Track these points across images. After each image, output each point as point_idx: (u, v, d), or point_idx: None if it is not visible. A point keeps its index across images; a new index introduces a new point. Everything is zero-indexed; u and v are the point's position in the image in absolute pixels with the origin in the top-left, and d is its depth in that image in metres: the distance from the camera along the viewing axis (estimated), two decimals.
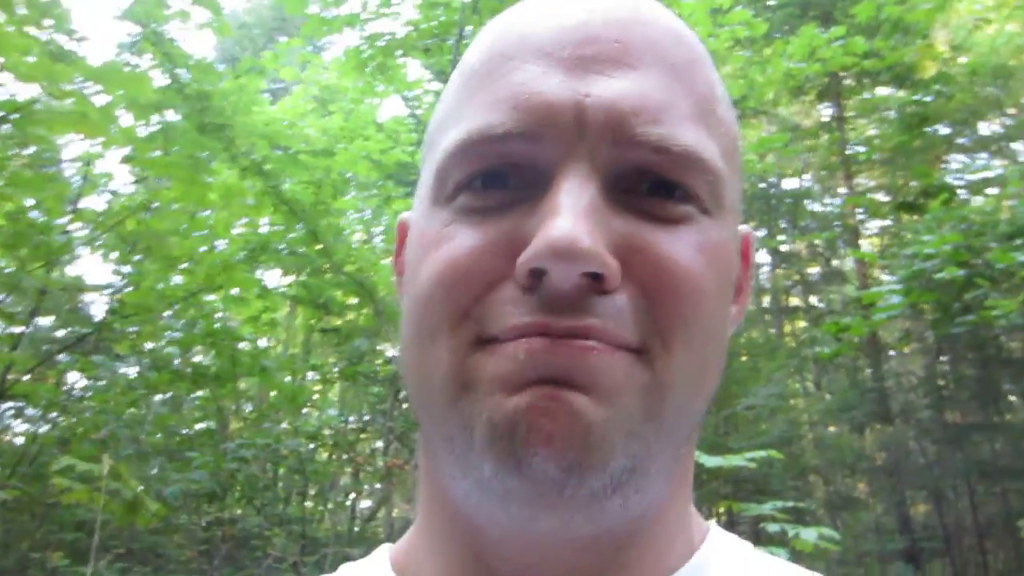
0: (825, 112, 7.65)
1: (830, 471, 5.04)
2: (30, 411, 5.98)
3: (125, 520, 4.81)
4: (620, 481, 0.42)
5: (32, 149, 3.94)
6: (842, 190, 7.39)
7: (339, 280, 5.46)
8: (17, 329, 4.98)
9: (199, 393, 6.93)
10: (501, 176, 0.45)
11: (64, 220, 4.50)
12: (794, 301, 8.35)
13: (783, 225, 7.55)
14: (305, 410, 8.70)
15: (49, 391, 5.52)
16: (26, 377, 5.13)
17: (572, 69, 0.44)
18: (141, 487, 5.36)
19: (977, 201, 6.35)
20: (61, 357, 5.91)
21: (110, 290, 5.36)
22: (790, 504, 3.12)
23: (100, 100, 3.66)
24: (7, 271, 4.34)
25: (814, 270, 7.24)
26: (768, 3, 6.94)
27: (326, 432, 8.79)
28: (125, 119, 3.96)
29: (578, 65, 0.45)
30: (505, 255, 0.43)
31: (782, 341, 6.87)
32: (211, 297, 5.75)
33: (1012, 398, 4.91)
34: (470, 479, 0.43)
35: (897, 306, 4.88)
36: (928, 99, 6.92)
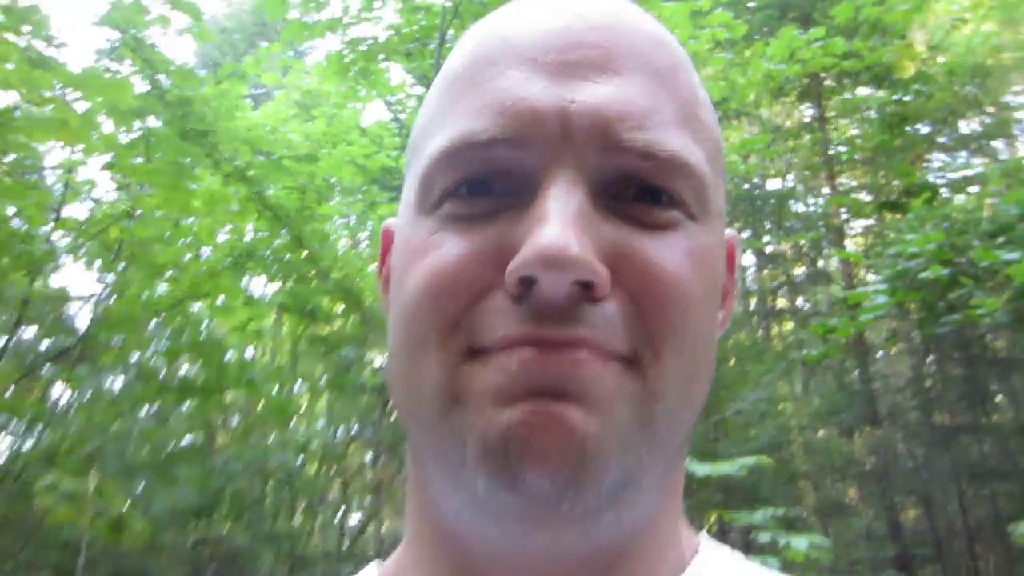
0: (806, 113, 7.73)
1: (820, 476, 5.05)
2: (14, 425, 5.89)
3: (111, 539, 4.73)
4: (614, 495, 0.41)
5: (12, 157, 3.88)
6: (825, 190, 7.46)
7: (326, 287, 5.42)
8: None
9: (186, 405, 6.84)
10: (487, 183, 0.44)
11: (47, 228, 4.43)
12: (781, 303, 8.40)
13: (768, 226, 7.59)
14: (293, 422, 8.62)
15: (33, 405, 5.43)
16: (9, 391, 5.05)
17: (556, 75, 0.44)
18: (128, 504, 5.28)
19: (959, 199, 6.41)
20: (45, 369, 5.82)
21: (94, 300, 5.29)
22: (780, 512, 3.10)
23: (81, 107, 3.62)
24: None
25: (800, 271, 7.28)
26: (748, 5, 7.00)
27: (314, 445, 8.72)
28: (106, 126, 3.92)
29: (562, 71, 0.44)
30: (493, 264, 0.42)
31: (769, 344, 6.89)
32: (197, 307, 5.69)
33: (999, 398, 4.94)
34: (462, 495, 0.42)
35: (883, 306, 4.89)
36: (908, 99, 7.00)
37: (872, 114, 7.21)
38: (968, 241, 5.12)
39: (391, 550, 0.55)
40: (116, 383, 6.27)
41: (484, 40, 0.48)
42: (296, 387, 8.76)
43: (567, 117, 0.43)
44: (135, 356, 6.08)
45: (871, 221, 7.08)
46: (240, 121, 4.51)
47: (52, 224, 4.40)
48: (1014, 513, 3.14)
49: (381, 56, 4.43)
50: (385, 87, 4.93)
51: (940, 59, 7.48)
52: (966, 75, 7.23)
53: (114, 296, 5.01)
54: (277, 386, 7.47)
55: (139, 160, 4.04)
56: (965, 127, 7.32)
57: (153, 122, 4.27)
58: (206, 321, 5.88)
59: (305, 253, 4.90)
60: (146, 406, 6.77)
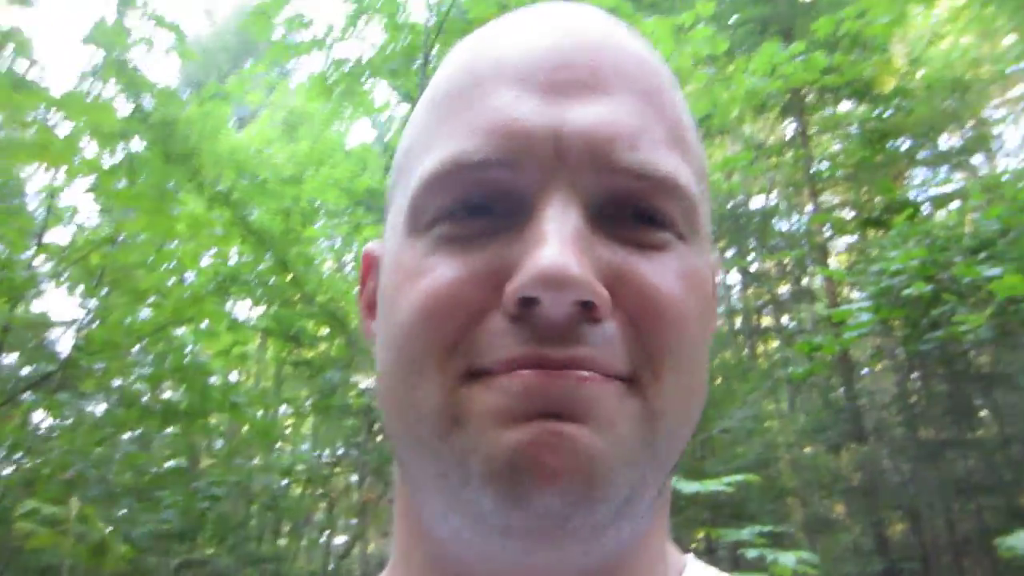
0: (789, 129, 7.82)
1: (807, 493, 5.06)
2: None
3: (92, 563, 4.67)
4: (620, 512, 0.41)
5: None
6: (808, 207, 7.53)
7: (310, 311, 5.40)
8: None
9: (169, 430, 6.79)
10: (480, 205, 0.44)
11: (28, 254, 4.41)
12: (766, 321, 8.44)
13: (752, 244, 7.64)
14: (278, 445, 8.55)
15: (14, 431, 5.37)
16: None
17: (547, 94, 0.44)
18: (110, 529, 5.22)
19: (941, 215, 6.48)
20: (26, 395, 5.76)
21: (76, 325, 5.26)
22: (768, 529, 3.11)
23: (63, 129, 3.62)
24: None
25: (784, 289, 7.34)
26: (729, 21, 7.08)
27: (299, 467, 8.65)
28: (89, 149, 3.92)
29: (553, 90, 0.44)
30: (490, 285, 0.42)
31: (755, 362, 6.92)
32: (180, 331, 5.66)
33: (983, 413, 4.98)
34: (464, 514, 0.42)
35: (867, 323, 4.94)
36: (888, 113, 7.10)
37: (853, 130, 7.32)
38: (950, 257, 5.18)
39: (376, 571, 0.55)
40: (99, 408, 6.22)
41: (471, 59, 0.48)
42: (281, 410, 8.71)
43: (560, 138, 0.43)
44: (118, 381, 6.03)
45: (854, 238, 7.16)
46: (224, 142, 4.51)
47: (34, 250, 4.38)
48: (1000, 527, 3.17)
49: (366, 75, 4.46)
50: (370, 107, 4.96)
51: (920, 73, 7.60)
52: (945, 89, 7.35)
53: (96, 322, 4.98)
54: (261, 410, 7.42)
55: (122, 184, 4.03)
56: (945, 142, 7.44)
57: (136, 144, 4.27)
58: (190, 346, 5.85)
59: (290, 277, 4.89)
60: (129, 431, 6.70)
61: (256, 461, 8.28)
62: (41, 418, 6.33)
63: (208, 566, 7.68)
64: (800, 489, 5.01)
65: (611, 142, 0.43)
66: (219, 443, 8.49)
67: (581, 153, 0.43)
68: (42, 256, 4.59)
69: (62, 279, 4.90)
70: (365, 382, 7.31)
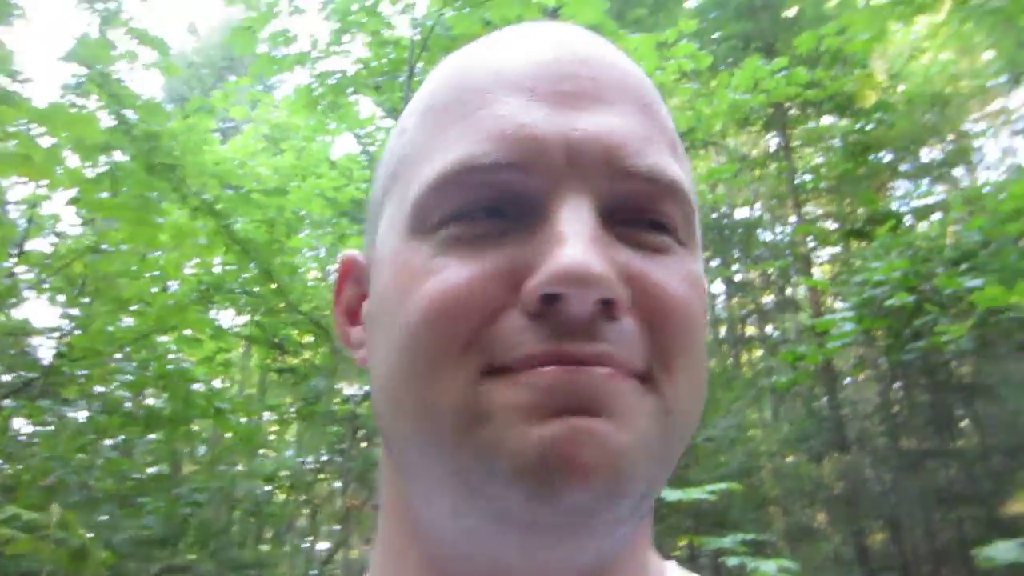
0: (772, 142, 7.89)
1: (789, 502, 5.11)
2: None
3: (72, 569, 4.63)
4: (635, 507, 0.42)
5: None
6: (792, 219, 7.60)
7: (295, 319, 5.39)
8: None
9: (152, 437, 6.74)
10: (490, 206, 0.44)
11: (10, 263, 4.37)
12: (750, 331, 8.51)
13: (736, 255, 7.71)
14: (262, 451, 8.51)
15: None
16: None
17: (554, 104, 0.45)
18: (91, 535, 5.17)
19: (923, 227, 6.56)
20: (7, 402, 5.70)
21: (58, 334, 5.21)
22: (750, 537, 3.13)
23: (46, 141, 3.59)
24: None
25: (768, 299, 7.40)
26: (712, 36, 7.15)
27: (283, 474, 8.61)
28: (72, 160, 3.89)
29: (559, 100, 0.45)
30: (505, 284, 0.43)
31: (739, 371, 6.97)
32: (164, 338, 5.62)
33: (964, 423, 5.04)
34: (483, 511, 0.42)
35: (850, 333, 4.99)
36: (869, 127, 7.19)
37: (836, 143, 7.40)
38: (932, 268, 5.23)
39: None
40: (82, 415, 6.16)
41: (471, 70, 0.49)
42: (264, 417, 8.67)
43: (571, 144, 0.44)
44: (101, 388, 5.98)
45: (837, 249, 7.24)
46: (208, 155, 4.50)
47: (15, 259, 4.34)
48: (979, 537, 3.20)
49: (350, 90, 4.47)
50: (354, 120, 4.96)
51: (900, 88, 7.70)
52: (925, 103, 7.45)
53: (78, 330, 4.95)
54: (245, 416, 7.38)
55: (105, 195, 4.00)
56: (926, 155, 7.54)
57: (120, 157, 4.24)
58: (173, 354, 5.82)
59: (274, 285, 4.87)
60: (111, 437, 6.65)
61: (239, 468, 8.24)
62: (22, 424, 6.27)
63: (189, 572, 7.63)
64: (782, 498, 5.05)
65: (621, 148, 0.45)
66: (202, 450, 8.44)
67: (594, 158, 0.44)
68: (23, 265, 4.56)
69: (44, 287, 4.87)
70: (349, 389, 7.30)
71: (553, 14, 4.46)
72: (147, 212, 4.21)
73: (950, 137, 7.64)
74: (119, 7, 3.87)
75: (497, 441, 0.41)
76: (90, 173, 4.05)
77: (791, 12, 7.72)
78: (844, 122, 7.56)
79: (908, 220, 6.77)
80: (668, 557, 0.56)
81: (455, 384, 0.42)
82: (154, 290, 5.06)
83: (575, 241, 0.41)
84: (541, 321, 0.42)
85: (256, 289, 4.99)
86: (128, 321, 5.22)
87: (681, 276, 0.46)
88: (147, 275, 4.94)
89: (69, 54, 3.65)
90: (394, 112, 4.89)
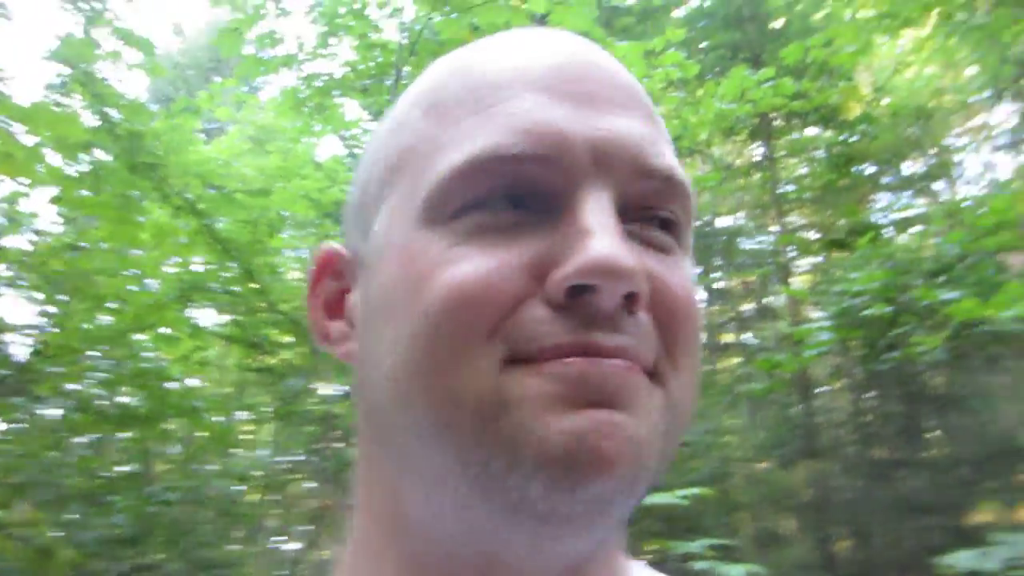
0: (757, 152, 8.05)
1: (760, 507, 5.24)
2: None
3: (38, 567, 4.66)
4: (641, 499, 0.45)
5: None
6: (774, 228, 7.76)
7: (275, 319, 5.46)
8: None
9: (125, 435, 6.76)
10: (512, 197, 0.46)
11: None
12: (728, 338, 8.67)
13: (717, 263, 7.85)
14: (236, 451, 8.54)
15: None
16: None
17: (575, 104, 0.47)
18: (60, 533, 5.20)
19: (903, 239, 6.73)
20: None
21: (33, 331, 5.25)
22: (719, 542, 3.23)
23: (29, 140, 3.65)
24: None
25: (748, 307, 7.54)
26: (699, 46, 7.29)
27: (257, 473, 8.63)
28: (53, 159, 3.95)
29: (579, 101, 0.47)
30: (528, 274, 0.44)
31: (716, 378, 7.11)
32: (141, 337, 5.66)
33: (936, 434, 5.20)
34: (500, 502, 0.43)
35: (827, 343, 5.14)
36: (853, 139, 7.37)
37: (820, 154, 7.58)
38: (910, 280, 5.36)
39: None
40: (55, 412, 6.18)
41: (485, 66, 0.50)
42: (240, 416, 8.70)
43: (596, 142, 0.46)
44: (75, 386, 6.00)
45: (818, 259, 7.42)
46: (192, 155, 4.57)
47: None
48: (943, 545, 3.36)
49: (337, 92, 4.55)
50: (339, 122, 5.04)
51: (885, 101, 7.89)
52: (909, 117, 7.65)
53: (55, 328, 5.00)
54: (220, 416, 7.42)
55: (87, 193, 4.06)
56: (908, 168, 7.74)
57: (103, 156, 4.30)
58: (150, 352, 5.86)
59: (255, 285, 4.95)
60: (84, 436, 6.66)
61: (213, 467, 8.26)
62: None
63: (158, 571, 7.64)
64: (753, 504, 5.19)
65: (642, 148, 0.47)
66: (176, 448, 8.45)
67: (619, 156, 0.46)
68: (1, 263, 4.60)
69: (20, 284, 4.91)
70: (326, 389, 7.35)
71: (541, 21, 4.55)
72: (128, 211, 4.28)
73: (932, 151, 7.84)
74: (104, 6, 3.93)
75: (522, 430, 0.42)
76: (72, 171, 4.11)
77: (778, 24, 7.88)
78: (828, 134, 7.73)
79: (889, 232, 6.95)
80: (639, 559, 0.59)
81: (479, 373, 0.43)
82: (133, 288, 5.11)
83: (604, 234, 0.43)
84: (566, 312, 0.43)
85: (237, 288, 5.06)
86: (107, 319, 5.26)
87: (684, 277, 0.48)
88: (125, 273, 4.99)
89: (53, 53, 3.71)
90: (380, 115, 4.98)
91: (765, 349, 5.62)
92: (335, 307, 0.56)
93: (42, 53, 3.70)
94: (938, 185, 7.69)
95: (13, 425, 6.18)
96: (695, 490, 3.26)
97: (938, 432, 5.12)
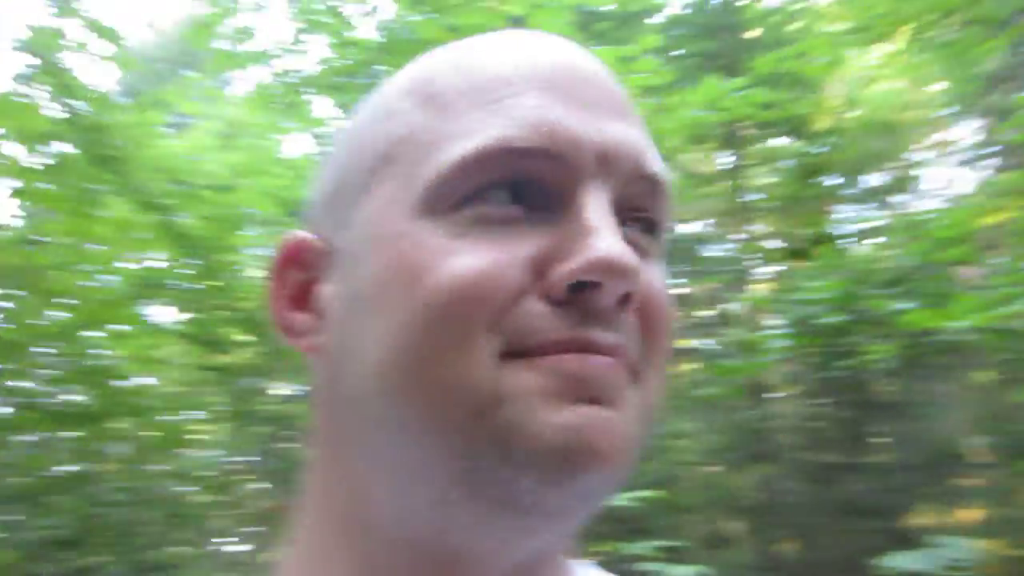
0: (725, 160, 8.38)
1: (709, 510, 5.50)
2: None
3: None
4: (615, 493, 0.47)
5: None
6: (738, 236, 8.11)
7: (235, 317, 5.58)
8: None
9: (72, 434, 6.80)
10: (515, 191, 0.48)
11: None
12: (687, 343, 8.98)
13: (681, 269, 8.15)
14: (187, 451, 8.58)
15: None
16: None
17: (579, 106, 0.50)
18: (3, 535, 5.25)
19: (861, 250, 7.10)
20: None
21: None
22: (667, 544, 3.37)
23: None
24: None
25: (708, 313, 7.85)
26: (675, 53, 7.58)
27: (208, 474, 8.68)
28: (16, 150, 4.05)
29: (585, 104, 0.50)
30: (529, 268, 0.46)
31: (672, 381, 7.35)
32: (95, 333, 5.72)
33: (882, 439, 5.55)
34: (485, 496, 0.45)
35: (782, 350, 5.46)
36: (820, 150, 7.76)
37: (786, 164, 7.95)
38: (867, 290, 5.66)
39: None
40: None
41: (489, 61, 0.52)
42: (192, 415, 8.76)
43: (602, 144, 0.48)
44: (21, 383, 6.04)
45: (779, 267, 7.78)
46: (157, 148, 4.70)
47: None
48: (885, 547, 3.69)
49: (311, 89, 4.71)
50: (311, 120, 5.19)
51: (853, 113, 8.28)
52: (876, 130, 8.04)
53: (7, 323, 5.07)
54: (171, 415, 7.50)
55: (46, 186, 4.16)
56: (871, 180, 8.15)
57: (64, 147, 4.41)
58: (102, 349, 5.93)
59: (214, 283, 5.08)
60: (29, 434, 6.68)
61: (163, 467, 8.29)
62: None
63: (100, 574, 7.65)
64: (703, 506, 5.48)
65: (640, 153, 0.51)
66: (125, 448, 8.47)
67: (621, 160, 0.49)
68: None
69: None
70: (281, 389, 7.46)
71: (518, 23, 4.72)
72: (87, 204, 4.40)
73: (895, 164, 8.25)
74: None
75: (517, 424, 0.44)
76: (33, 163, 4.21)
77: (753, 34, 8.20)
78: (797, 144, 8.08)
79: (849, 242, 7.33)
80: (588, 560, 0.62)
81: (476, 365, 0.45)
82: (87, 284, 5.19)
83: (608, 233, 0.45)
84: (565, 308, 0.45)
85: (198, 286, 5.20)
86: (59, 315, 5.33)
87: (663, 280, 0.51)
88: (80, 268, 5.07)
89: (22, 44, 3.84)
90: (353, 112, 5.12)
91: (723, 355, 5.93)
92: (300, 299, 0.56)
93: (11, 44, 3.83)
94: (899, 198, 8.10)
95: None
96: (646, 492, 3.41)
97: (886, 438, 5.48)
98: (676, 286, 8.47)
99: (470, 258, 0.46)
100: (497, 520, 0.47)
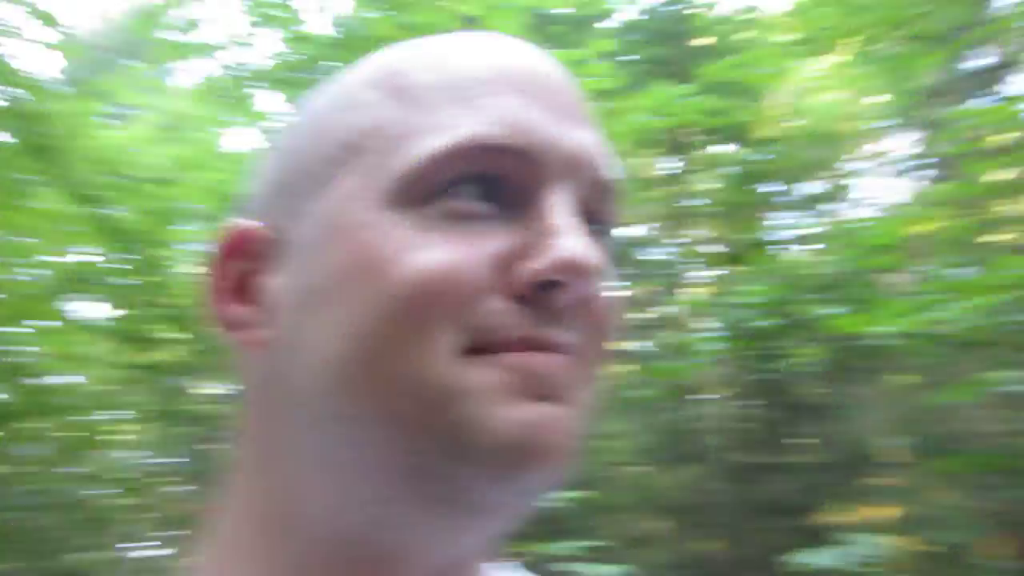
0: (669, 165, 8.77)
1: (636, 510, 5.80)
2: None
3: None
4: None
5: None
6: (679, 240, 8.51)
7: (169, 314, 5.64)
8: None
9: None
10: (486, 188, 0.50)
11: None
12: (626, 345, 9.29)
13: (622, 272, 8.44)
14: (110, 452, 8.53)
15: None
16: None
17: (552, 111, 0.52)
18: None
19: (797, 256, 7.55)
20: None
21: None
22: (595, 544, 3.55)
23: None
24: None
25: (646, 315, 8.20)
26: (627, 58, 7.92)
27: (128, 476, 8.64)
28: None
29: (555, 109, 0.53)
30: (495, 266, 0.48)
31: (609, 383, 7.63)
32: (14, 329, 5.71)
33: (805, 440, 5.97)
34: (431, 491, 0.47)
35: (714, 352, 5.85)
36: (760, 158, 8.22)
37: (728, 170, 8.40)
38: (798, 295, 6.02)
39: None
40: None
41: (463, 61, 0.54)
42: (117, 415, 8.72)
43: (570, 148, 0.51)
44: None
45: (716, 271, 8.22)
46: (95, 140, 4.76)
47: None
48: (804, 544, 4.02)
49: (263, 84, 4.83)
50: (255, 113, 5.32)
51: (796, 122, 8.77)
52: (815, 140, 8.54)
53: None
54: (96, 414, 7.47)
55: None
56: (808, 188, 8.65)
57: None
58: (24, 346, 5.91)
59: (149, 279, 5.16)
60: None
61: (82, 469, 8.23)
62: None
63: None
64: (630, 506, 5.77)
65: (603, 160, 0.54)
66: (42, 449, 8.39)
67: (587, 165, 0.52)
68: None
69: None
70: (212, 388, 7.51)
71: (473, 23, 4.81)
72: (16, 195, 4.45)
73: (831, 173, 8.77)
74: None
75: (472, 419, 0.45)
76: None
77: (703, 42, 8.61)
78: (740, 151, 8.53)
79: (783, 249, 7.80)
80: (513, 560, 0.65)
81: (435, 360, 0.46)
82: (8, 278, 5.18)
83: (575, 234, 0.47)
84: (527, 305, 0.47)
85: (131, 281, 5.25)
86: None
87: (612, 283, 0.54)
88: (1, 261, 5.07)
89: None
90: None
91: (657, 356, 6.29)
92: (243, 291, 0.56)
93: None
94: (834, 206, 8.61)
95: None
96: (575, 493, 3.55)
97: (810, 439, 5.90)
98: (619, 289, 8.74)
99: (437, 252, 0.47)
100: (435, 518, 0.49)
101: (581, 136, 0.54)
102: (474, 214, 0.50)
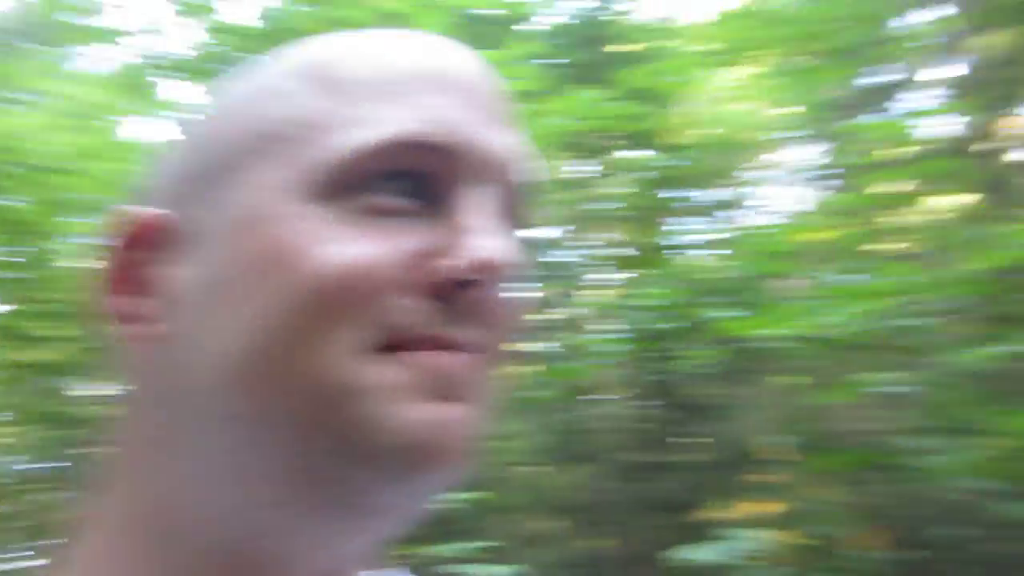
0: (583, 169, 9.20)
1: (530, 510, 6.13)
2: None
3: None
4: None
5: None
6: (586, 243, 8.96)
7: (49, 309, 5.61)
8: None
9: None
10: (406, 185, 0.52)
11: None
12: (529, 345, 9.64)
13: (533, 273, 8.77)
14: None
15: None
16: None
17: (480, 112, 0.55)
18: None
19: (698, 260, 8.10)
20: None
21: None
22: (489, 544, 3.72)
23: None
24: None
25: (551, 317, 8.58)
26: (554, 62, 8.29)
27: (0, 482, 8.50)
28: None
29: (481, 109, 0.56)
30: (411, 263, 0.50)
31: (508, 383, 7.94)
32: None
33: (696, 439, 6.47)
34: (325, 493, 0.49)
35: (613, 354, 6.29)
36: (670, 163, 8.77)
37: (639, 175, 8.89)
38: (696, 299, 6.46)
39: None
40: None
41: (393, 57, 0.56)
42: None
43: (495, 149, 0.54)
44: None
45: (620, 274, 8.72)
46: None
47: None
48: (691, 539, 4.37)
49: (183, 74, 4.93)
50: (159, 103, 5.37)
51: (706, 131, 9.34)
52: (724, 147, 9.11)
53: None
54: None
55: None
56: (713, 195, 9.26)
57: None
58: None
59: (40, 273, 5.16)
60: None
61: None
62: None
63: None
64: (524, 506, 6.10)
65: (524, 163, 0.57)
66: None
67: (508, 167, 0.56)
68: None
69: None
70: (94, 389, 7.50)
71: (399, 20, 4.97)
72: None
73: (738, 180, 9.39)
74: None
75: (371, 418, 0.48)
76: None
77: (621, 48, 9.09)
78: (652, 156, 9.02)
79: (687, 253, 8.36)
80: (404, 563, 0.67)
81: (339, 357, 0.48)
82: None
83: (492, 234, 0.51)
84: (438, 304, 0.50)
85: (23, 275, 5.22)
86: None
87: (521, 283, 0.56)
88: None
89: None
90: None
91: (560, 357, 6.69)
92: (139, 282, 0.55)
93: None
94: (737, 212, 9.22)
95: None
96: (469, 493, 3.66)
97: (701, 438, 6.41)
98: (527, 290, 9.10)
99: (352, 247, 0.49)
100: (327, 521, 0.50)
101: (504, 137, 0.56)
102: (393, 210, 0.52)
